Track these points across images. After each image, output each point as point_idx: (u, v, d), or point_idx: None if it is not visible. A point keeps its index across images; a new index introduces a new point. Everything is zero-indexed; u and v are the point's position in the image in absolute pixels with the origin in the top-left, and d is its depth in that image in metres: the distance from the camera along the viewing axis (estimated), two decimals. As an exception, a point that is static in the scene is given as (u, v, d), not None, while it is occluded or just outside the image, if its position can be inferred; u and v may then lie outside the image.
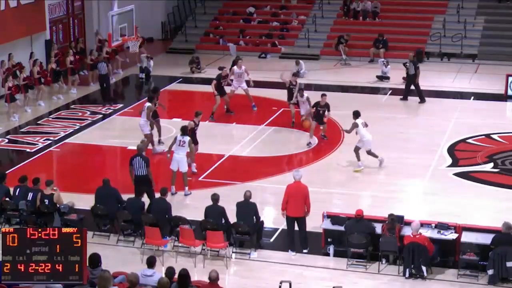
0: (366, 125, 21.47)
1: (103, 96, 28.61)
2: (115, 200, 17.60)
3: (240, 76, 26.67)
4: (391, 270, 15.86)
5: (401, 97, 28.31)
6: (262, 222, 17.20)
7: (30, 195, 17.71)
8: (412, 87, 28.03)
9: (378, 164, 21.37)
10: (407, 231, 15.83)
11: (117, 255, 16.50)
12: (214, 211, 16.74)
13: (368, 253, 16.03)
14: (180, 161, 19.79)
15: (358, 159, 21.31)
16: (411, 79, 28.07)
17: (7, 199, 18.03)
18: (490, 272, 15.22)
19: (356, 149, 21.30)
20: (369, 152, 21.36)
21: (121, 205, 17.55)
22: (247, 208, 16.76)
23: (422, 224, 16.04)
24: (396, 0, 38.21)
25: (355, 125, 21.29)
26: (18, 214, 17.80)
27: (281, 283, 14.05)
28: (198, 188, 20.38)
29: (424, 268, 15.44)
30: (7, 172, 19.81)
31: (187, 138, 19.85)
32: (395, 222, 15.93)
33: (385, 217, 16.23)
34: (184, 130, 20.03)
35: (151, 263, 13.72)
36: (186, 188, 19.90)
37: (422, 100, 27.90)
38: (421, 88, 29.88)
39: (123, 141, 23.75)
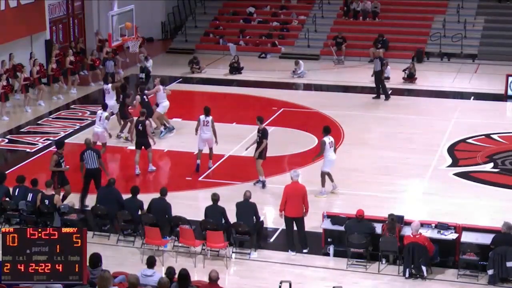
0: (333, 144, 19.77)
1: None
2: (115, 200, 17.58)
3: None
4: (391, 270, 15.86)
5: (374, 95, 28.45)
6: (262, 222, 17.21)
7: (30, 196, 17.69)
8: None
9: (331, 188, 19.71)
10: (407, 231, 15.82)
11: (117, 255, 16.50)
12: (214, 211, 16.74)
13: (368, 253, 16.04)
14: (208, 139, 21.31)
15: (323, 185, 19.67)
16: (378, 75, 28.12)
17: (7, 199, 18.03)
18: (490, 272, 15.22)
19: (323, 175, 19.60)
20: (328, 174, 19.63)
21: (122, 207, 17.50)
22: (247, 208, 16.75)
23: (422, 224, 16.04)
24: (396, 0, 38.22)
25: (323, 144, 19.62)
26: (18, 214, 17.80)
27: (281, 283, 14.04)
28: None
29: (424, 268, 15.43)
30: (7, 172, 19.81)
31: (210, 118, 21.19)
32: (395, 222, 15.92)
33: (385, 217, 16.23)
34: (207, 111, 21.16)
35: (151, 263, 13.73)
36: (210, 161, 21.58)
37: (387, 98, 28.17)
38: (421, 88, 29.99)
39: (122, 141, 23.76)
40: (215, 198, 16.84)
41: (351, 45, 35.03)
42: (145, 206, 17.31)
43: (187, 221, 16.76)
